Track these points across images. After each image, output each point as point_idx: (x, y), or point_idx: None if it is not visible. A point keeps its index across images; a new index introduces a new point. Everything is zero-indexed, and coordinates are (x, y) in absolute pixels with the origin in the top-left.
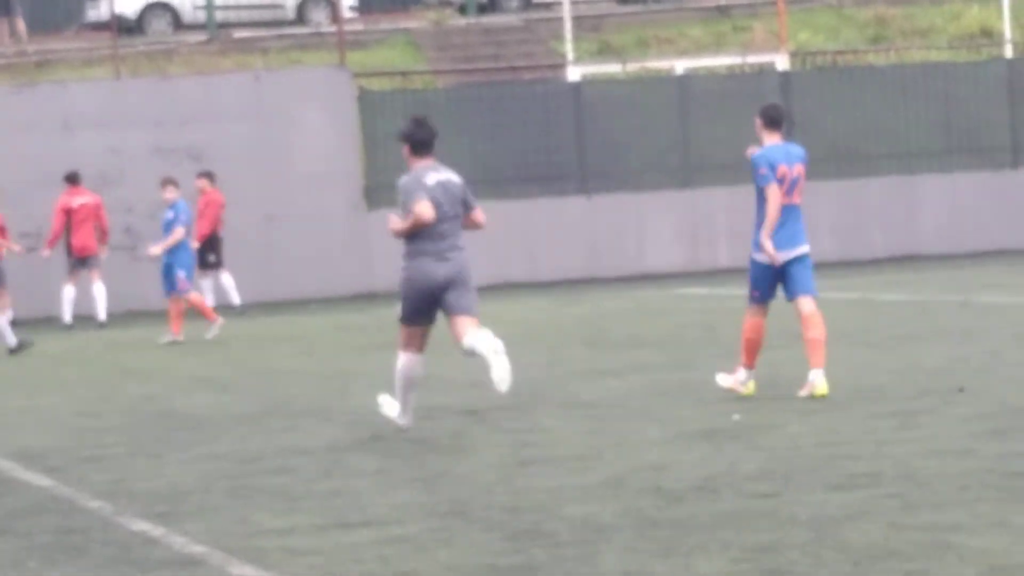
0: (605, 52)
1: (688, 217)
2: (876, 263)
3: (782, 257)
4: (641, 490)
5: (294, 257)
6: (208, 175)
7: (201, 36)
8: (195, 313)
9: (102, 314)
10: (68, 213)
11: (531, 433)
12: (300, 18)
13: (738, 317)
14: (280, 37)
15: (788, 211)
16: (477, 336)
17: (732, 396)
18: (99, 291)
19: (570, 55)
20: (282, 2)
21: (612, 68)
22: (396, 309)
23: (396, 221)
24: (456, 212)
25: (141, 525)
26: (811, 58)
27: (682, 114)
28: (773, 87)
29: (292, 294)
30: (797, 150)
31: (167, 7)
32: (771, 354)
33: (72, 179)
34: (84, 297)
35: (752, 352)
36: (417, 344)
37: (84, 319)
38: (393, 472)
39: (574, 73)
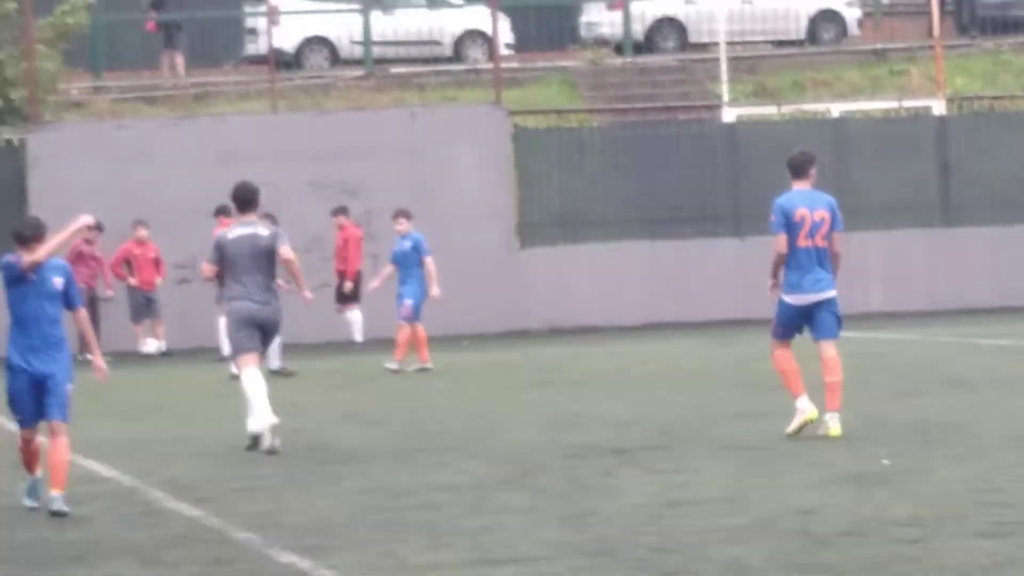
0: (761, 94)
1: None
2: None
3: (804, 300)
4: (789, 533)
5: (447, 293)
6: (344, 210)
7: (358, 71)
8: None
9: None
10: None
11: (680, 474)
12: (457, 55)
13: (889, 360)
14: (437, 73)
15: (813, 254)
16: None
17: (882, 441)
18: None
19: (726, 96)
20: (439, 39)
21: (767, 110)
22: (226, 354)
23: (206, 268)
24: (257, 262)
25: (289, 557)
26: (968, 103)
27: (837, 157)
28: (929, 132)
29: (444, 330)
30: (824, 197)
31: (325, 42)
32: (922, 400)
33: (224, 211)
34: None
35: (795, 381)
36: (254, 362)
37: None
38: (541, 510)
39: (729, 114)
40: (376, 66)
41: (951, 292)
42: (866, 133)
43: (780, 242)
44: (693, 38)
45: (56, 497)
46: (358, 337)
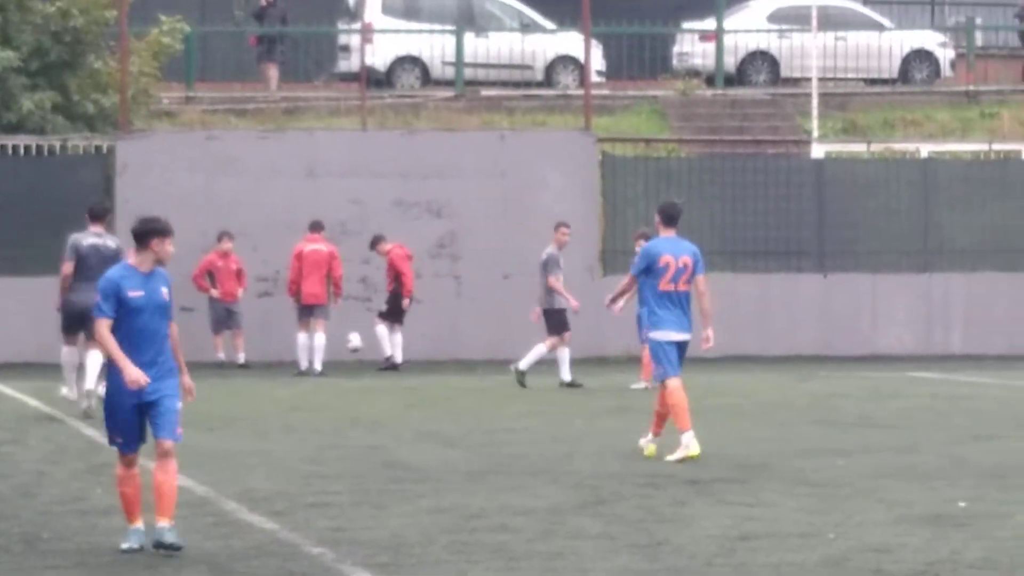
0: (850, 131)
1: (924, 301)
2: None
3: (673, 337)
4: (862, 571)
5: (525, 316)
6: (379, 239)
7: (448, 92)
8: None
9: (318, 364)
10: (300, 258)
11: (754, 507)
12: (548, 80)
13: (969, 403)
14: (527, 97)
15: (676, 297)
16: None
17: (959, 483)
18: (319, 341)
19: (815, 132)
20: (531, 63)
21: (857, 147)
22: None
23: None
24: None
25: (362, 574)
26: None
27: (924, 197)
28: (1018, 176)
29: (520, 353)
30: (688, 245)
31: (417, 61)
32: (1001, 444)
33: (312, 227)
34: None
35: (684, 414)
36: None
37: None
38: (615, 537)
39: (818, 150)
40: (467, 88)
41: None
42: (954, 175)
43: (629, 279)
44: (785, 72)
45: (165, 528)
46: (399, 357)
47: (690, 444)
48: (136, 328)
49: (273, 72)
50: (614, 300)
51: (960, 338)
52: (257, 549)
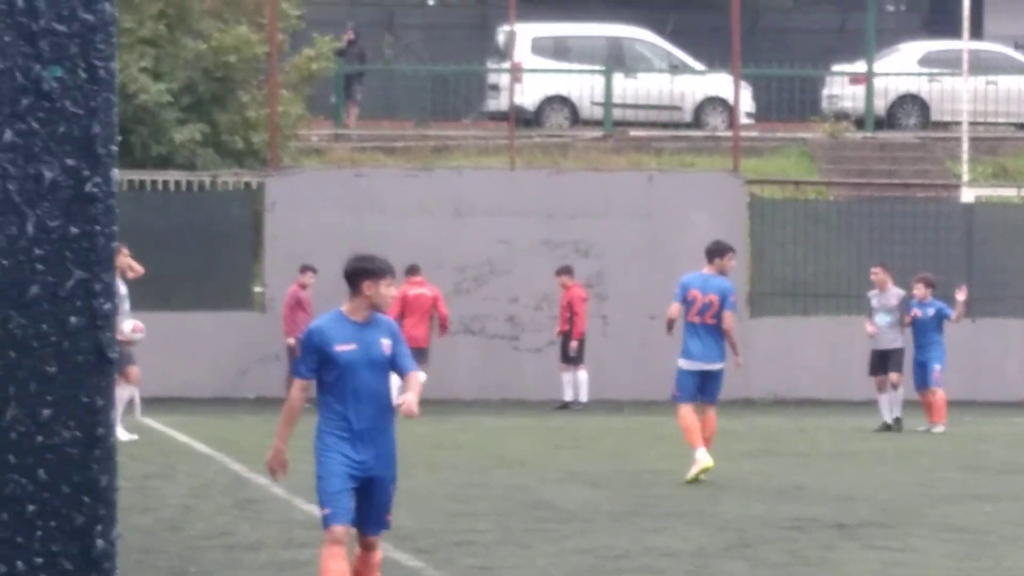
0: (1001, 175)
1: None
2: None
3: (692, 367)
4: None
5: (672, 359)
6: (568, 270)
7: (597, 132)
8: None
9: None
10: (403, 302)
11: (902, 553)
12: (696, 121)
13: None
14: (675, 139)
15: (702, 329)
16: None
17: None
18: (420, 377)
19: (965, 176)
20: (680, 104)
21: (1007, 192)
22: None
23: None
24: None
25: None
26: None
27: None
28: None
29: (665, 395)
30: (719, 282)
31: (566, 101)
32: None
33: (412, 271)
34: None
35: (694, 434)
36: None
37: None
38: None
39: (968, 194)
40: (615, 128)
41: None
42: None
43: (673, 308)
44: (935, 116)
45: None
46: (583, 397)
47: (702, 458)
48: (349, 389)
49: (354, 109)
50: (669, 331)
51: None
52: None
